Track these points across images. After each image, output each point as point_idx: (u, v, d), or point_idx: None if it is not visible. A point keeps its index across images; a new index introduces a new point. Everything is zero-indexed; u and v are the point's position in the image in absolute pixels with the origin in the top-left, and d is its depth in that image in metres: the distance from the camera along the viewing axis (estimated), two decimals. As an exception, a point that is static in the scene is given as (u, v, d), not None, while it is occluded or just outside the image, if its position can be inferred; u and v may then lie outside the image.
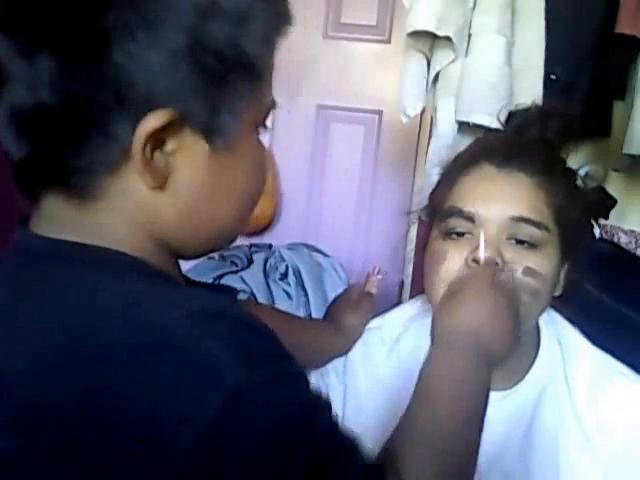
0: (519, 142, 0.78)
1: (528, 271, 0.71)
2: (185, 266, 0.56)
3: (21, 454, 0.41)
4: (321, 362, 0.88)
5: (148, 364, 0.40)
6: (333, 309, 0.89)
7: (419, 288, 0.80)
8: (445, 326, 0.62)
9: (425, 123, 1.85)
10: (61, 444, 0.40)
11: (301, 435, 0.44)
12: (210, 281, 1.57)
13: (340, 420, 0.49)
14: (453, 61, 1.34)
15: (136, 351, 0.41)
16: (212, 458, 0.40)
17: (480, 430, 0.57)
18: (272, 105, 0.53)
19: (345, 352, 0.87)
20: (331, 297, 0.95)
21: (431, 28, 1.27)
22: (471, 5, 1.32)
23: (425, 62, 1.38)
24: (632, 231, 1.46)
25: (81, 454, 0.40)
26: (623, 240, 1.46)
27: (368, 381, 0.85)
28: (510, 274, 0.69)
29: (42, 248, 0.47)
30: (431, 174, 1.03)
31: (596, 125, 1.42)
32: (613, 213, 0.88)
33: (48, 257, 0.47)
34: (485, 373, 0.60)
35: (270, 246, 1.81)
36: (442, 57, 1.34)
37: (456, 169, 0.79)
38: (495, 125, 0.87)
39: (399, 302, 0.98)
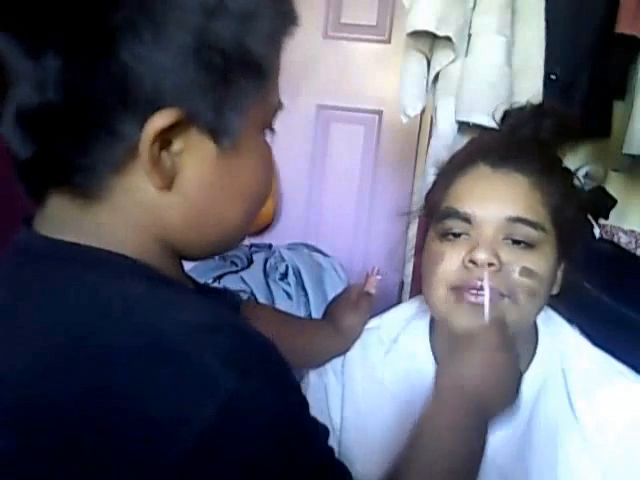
0: (514, 142, 0.78)
1: (525, 271, 0.71)
2: (185, 266, 0.55)
3: (21, 454, 0.41)
4: (320, 362, 0.88)
5: (148, 365, 0.40)
6: (332, 309, 0.89)
7: (419, 288, 0.80)
8: (447, 382, 0.62)
9: (425, 123, 1.85)
10: (61, 444, 0.40)
11: (299, 436, 0.44)
12: (210, 281, 1.57)
13: (338, 424, 0.49)
14: (453, 61, 1.34)
15: (136, 352, 0.41)
16: (212, 458, 0.40)
17: None
18: (279, 106, 0.53)
19: (344, 352, 0.87)
20: (331, 297, 0.95)
21: (431, 28, 1.27)
22: (471, 5, 1.32)
23: (425, 62, 1.38)
24: (632, 231, 1.46)
25: (81, 454, 0.40)
26: (623, 240, 1.46)
27: (366, 381, 0.85)
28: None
29: (42, 248, 0.47)
30: (430, 174, 1.03)
31: (596, 125, 1.42)
32: (613, 213, 0.88)
33: (48, 257, 0.47)
34: (483, 430, 0.60)
35: (270, 246, 1.81)
36: (442, 57, 1.35)
37: (452, 169, 0.79)
38: (494, 125, 0.87)
39: (399, 302, 0.98)
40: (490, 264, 0.70)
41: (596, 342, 0.81)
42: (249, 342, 0.45)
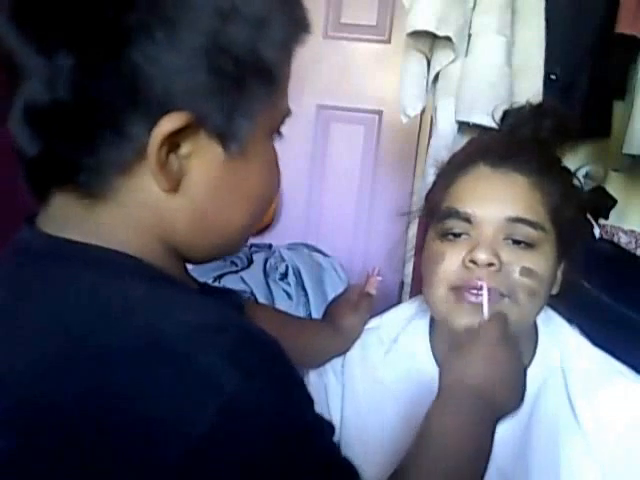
0: (514, 142, 0.78)
1: (525, 271, 0.71)
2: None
3: (21, 454, 0.41)
4: (320, 362, 0.88)
5: (148, 365, 0.40)
6: (332, 309, 0.89)
7: (419, 288, 0.80)
8: (451, 380, 0.62)
9: (425, 123, 1.85)
10: (61, 444, 0.40)
11: (301, 436, 0.44)
12: (210, 281, 1.57)
13: (338, 424, 0.49)
14: (453, 61, 1.34)
15: (136, 352, 0.41)
16: (212, 459, 0.40)
17: None
18: (287, 112, 0.53)
19: (344, 352, 0.87)
20: (331, 297, 0.95)
21: (431, 28, 1.27)
22: (471, 5, 1.32)
23: (425, 62, 1.38)
24: (632, 231, 1.46)
25: (81, 454, 0.40)
26: (623, 240, 1.46)
27: (366, 381, 0.85)
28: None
29: (42, 247, 0.47)
30: (429, 174, 1.03)
31: (596, 125, 1.42)
32: (613, 213, 0.88)
33: (48, 256, 0.47)
34: (490, 428, 0.59)
35: (270, 246, 1.81)
36: (442, 57, 1.35)
37: (452, 169, 0.79)
38: (494, 125, 0.88)
39: (399, 302, 0.98)
40: (490, 264, 0.70)
41: (596, 342, 0.81)
42: (254, 342, 0.44)
